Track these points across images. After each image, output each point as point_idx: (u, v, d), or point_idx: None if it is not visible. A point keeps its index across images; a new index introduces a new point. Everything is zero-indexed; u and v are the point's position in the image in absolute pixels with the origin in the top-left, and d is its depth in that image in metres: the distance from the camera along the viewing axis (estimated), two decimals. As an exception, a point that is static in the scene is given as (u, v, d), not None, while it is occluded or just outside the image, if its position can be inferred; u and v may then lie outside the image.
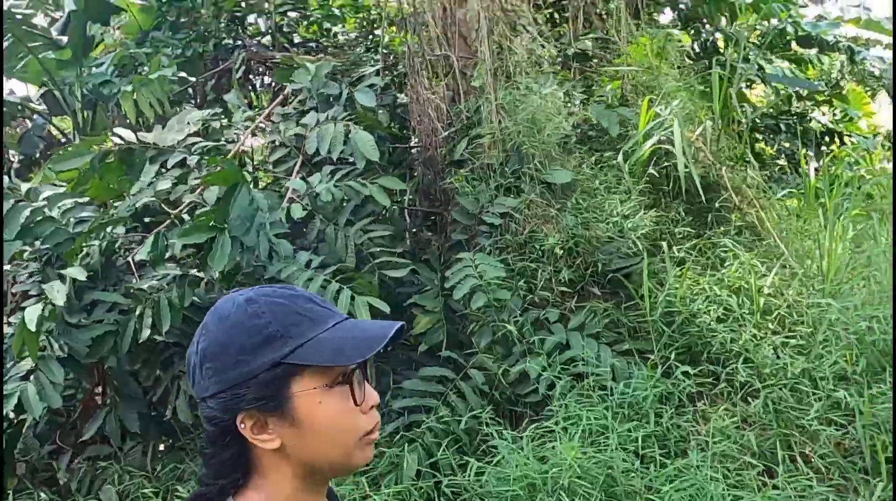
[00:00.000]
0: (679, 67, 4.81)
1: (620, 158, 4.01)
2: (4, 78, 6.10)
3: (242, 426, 0.99)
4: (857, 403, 2.97)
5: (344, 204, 3.93)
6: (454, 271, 3.79)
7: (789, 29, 8.96)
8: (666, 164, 4.24)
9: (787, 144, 8.43)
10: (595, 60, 4.97)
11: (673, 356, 3.61)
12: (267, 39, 5.55)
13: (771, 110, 8.49)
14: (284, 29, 5.52)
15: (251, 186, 3.47)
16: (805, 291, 3.80)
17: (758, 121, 7.97)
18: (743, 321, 3.67)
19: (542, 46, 4.42)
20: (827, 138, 7.75)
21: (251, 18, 5.54)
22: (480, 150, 4.36)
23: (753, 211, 4.23)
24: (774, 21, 9.01)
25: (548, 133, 4.16)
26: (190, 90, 5.54)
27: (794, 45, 9.56)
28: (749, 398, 3.51)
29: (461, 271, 3.76)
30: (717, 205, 4.27)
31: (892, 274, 3.79)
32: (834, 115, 7.96)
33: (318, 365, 0.98)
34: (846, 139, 7.99)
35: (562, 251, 3.83)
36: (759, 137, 8.00)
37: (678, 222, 4.13)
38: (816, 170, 5.85)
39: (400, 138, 5.05)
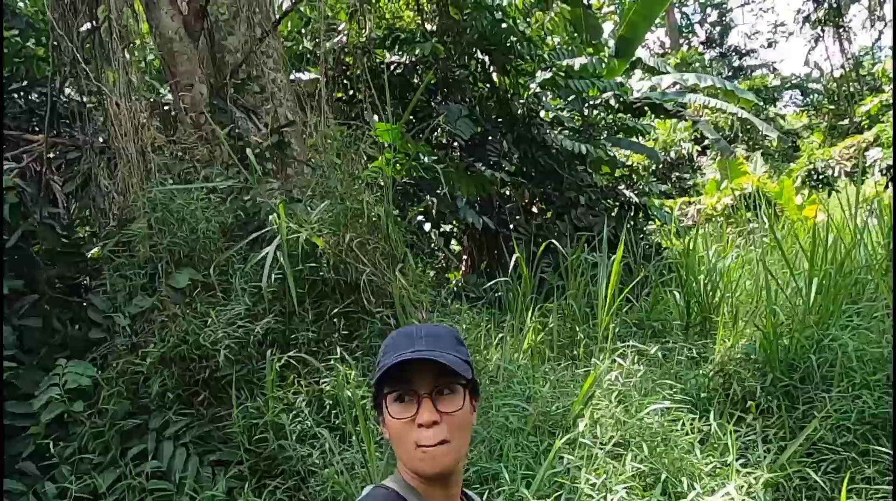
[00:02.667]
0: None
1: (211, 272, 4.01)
2: None
3: (378, 414, 1.31)
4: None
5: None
6: (46, 379, 3.77)
7: (612, 102, 9.09)
8: (304, 266, 4.24)
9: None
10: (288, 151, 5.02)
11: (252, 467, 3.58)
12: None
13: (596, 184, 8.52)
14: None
15: None
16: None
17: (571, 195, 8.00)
18: (327, 436, 3.63)
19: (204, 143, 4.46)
20: (631, 212, 7.77)
21: None
22: (131, 248, 4.37)
23: (390, 312, 4.23)
24: (607, 94, 9.14)
25: (183, 234, 4.18)
26: None
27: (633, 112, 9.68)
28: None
29: (50, 379, 3.73)
30: (360, 308, 4.27)
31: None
32: (638, 189, 7.97)
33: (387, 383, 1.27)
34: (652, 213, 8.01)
35: (156, 359, 3.81)
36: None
37: (302, 328, 4.11)
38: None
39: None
